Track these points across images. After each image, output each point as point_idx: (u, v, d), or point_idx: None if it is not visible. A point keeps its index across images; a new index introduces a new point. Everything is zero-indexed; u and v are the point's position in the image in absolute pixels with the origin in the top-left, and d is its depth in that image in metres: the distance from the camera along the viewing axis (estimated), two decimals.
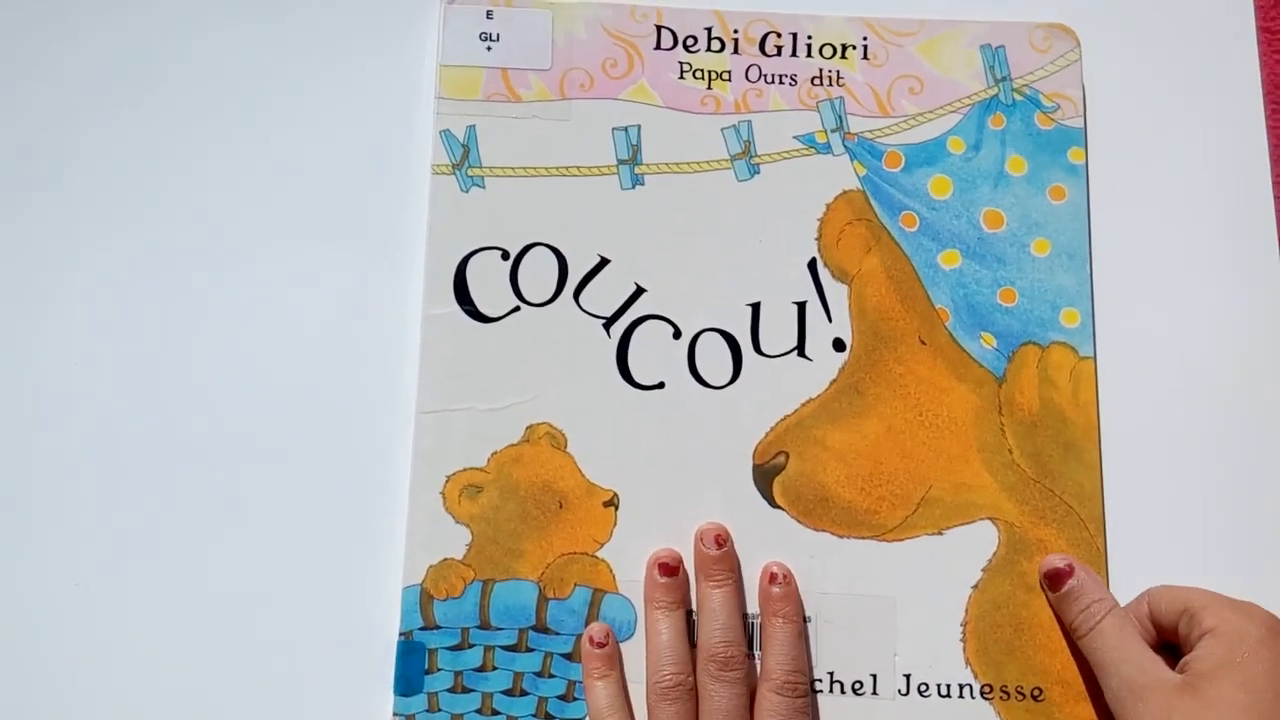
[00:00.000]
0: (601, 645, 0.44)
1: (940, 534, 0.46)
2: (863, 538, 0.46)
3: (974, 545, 0.46)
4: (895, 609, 0.45)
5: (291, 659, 0.45)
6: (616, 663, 0.44)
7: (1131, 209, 0.49)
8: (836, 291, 0.47)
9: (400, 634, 0.44)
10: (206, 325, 0.48)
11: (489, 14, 0.48)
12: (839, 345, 0.47)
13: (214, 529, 0.46)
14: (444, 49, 0.48)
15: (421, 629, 0.45)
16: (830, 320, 0.47)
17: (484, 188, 0.47)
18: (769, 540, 0.45)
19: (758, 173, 0.48)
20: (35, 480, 0.46)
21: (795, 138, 0.48)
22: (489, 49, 0.48)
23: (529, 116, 0.48)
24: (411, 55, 0.49)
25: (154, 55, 0.50)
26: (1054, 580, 0.44)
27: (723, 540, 0.45)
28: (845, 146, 0.48)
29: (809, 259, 0.48)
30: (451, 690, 0.44)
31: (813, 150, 0.48)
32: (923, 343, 0.47)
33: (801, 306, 0.47)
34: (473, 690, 0.45)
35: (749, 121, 0.48)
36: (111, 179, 0.49)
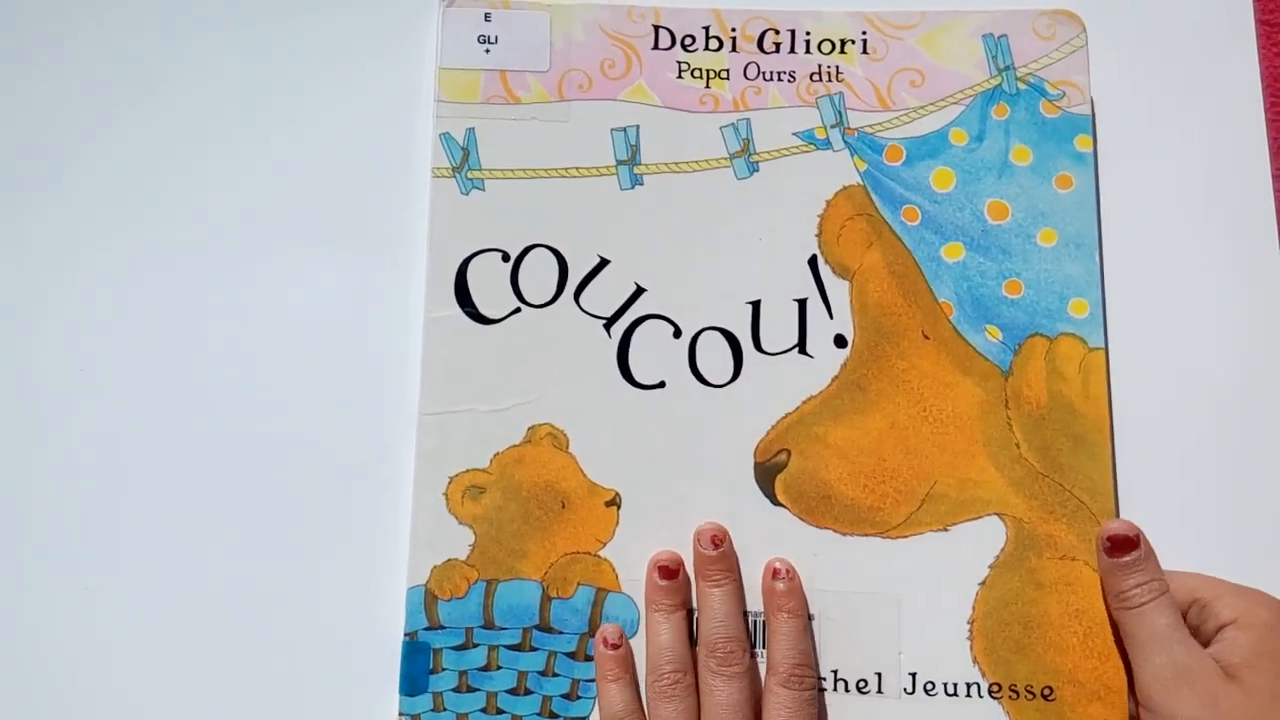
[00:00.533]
0: (615, 647, 0.44)
1: (945, 530, 0.45)
2: (866, 535, 0.45)
3: (981, 541, 0.45)
4: (900, 607, 0.44)
5: (297, 660, 0.45)
6: (630, 664, 0.44)
7: (1141, 196, 0.48)
8: (838, 288, 0.47)
9: (405, 634, 0.45)
10: (208, 328, 0.48)
11: (487, 16, 0.49)
12: (840, 342, 0.47)
13: (218, 531, 0.46)
14: (443, 52, 0.48)
15: (426, 629, 0.45)
16: (831, 317, 0.47)
17: (484, 190, 0.48)
18: (771, 539, 0.45)
19: (757, 170, 0.48)
20: (44, 484, 0.47)
21: (794, 134, 0.48)
22: (487, 51, 0.48)
23: (528, 118, 0.48)
24: (411, 58, 0.50)
25: (155, 59, 0.51)
26: (1121, 547, 0.42)
27: (719, 540, 0.44)
28: (845, 142, 0.48)
29: (809, 256, 0.47)
30: (456, 690, 0.45)
31: (812, 146, 0.48)
32: (926, 337, 0.47)
33: (802, 304, 0.47)
34: (477, 689, 0.45)
35: (748, 119, 0.48)
36: (111, 181, 0.49)
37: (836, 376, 0.46)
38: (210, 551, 0.46)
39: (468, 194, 0.47)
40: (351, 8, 0.51)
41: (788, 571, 0.44)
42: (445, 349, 0.46)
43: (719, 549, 0.44)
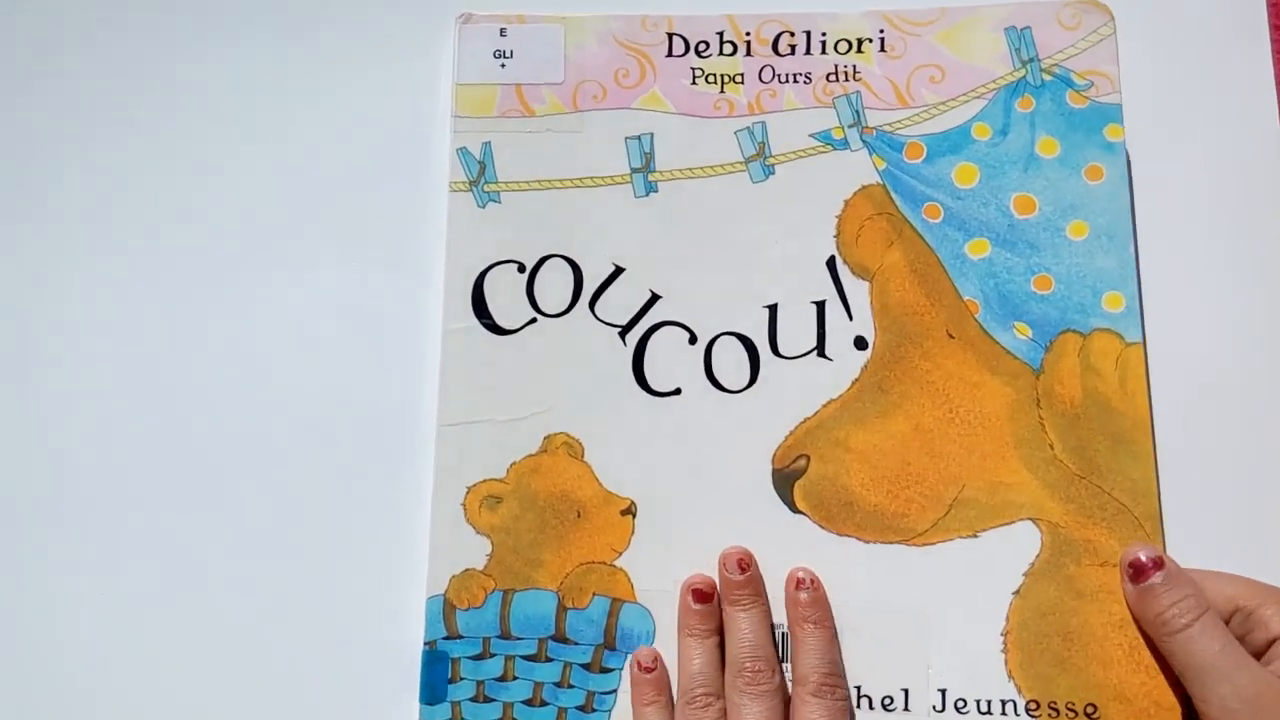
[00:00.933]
0: (650, 670, 0.43)
1: (975, 537, 0.43)
2: (890, 543, 0.43)
3: (1014, 548, 0.43)
4: (928, 618, 0.42)
5: (319, 669, 0.45)
6: (665, 686, 0.43)
7: (1176, 185, 0.46)
8: (857, 289, 0.46)
9: (425, 643, 0.45)
10: (230, 341, 0.49)
11: (502, 31, 0.49)
12: (861, 344, 0.45)
13: (241, 541, 0.47)
14: (459, 68, 0.49)
15: (445, 638, 0.45)
16: (851, 318, 0.46)
17: (500, 202, 0.48)
18: (790, 547, 0.44)
19: (773, 173, 0.47)
20: (62, 493, 0.48)
21: (811, 136, 0.47)
22: (503, 66, 0.49)
23: (543, 130, 0.48)
24: (429, 75, 0.50)
25: (175, 76, 0.52)
26: (1143, 570, 0.40)
27: (745, 564, 0.43)
28: (863, 141, 0.47)
29: (828, 257, 0.46)
30: (474, 699, 0.44)
31: (829, 147, 0.47)
32: (951, 337, 0.45)
33: (820, 306, 0.46)
34: (494, 700, 0.44)
35: (763, 123, 0.48)
36: (129, 197, 0.50)
37: (857, 379, 0.45)
38: (232, 561, 0.47)
39: (484, 207, 0.48)
40: (370, 26, 0.52)
41: (811, 581, 0.43)
42: (463, 361, 0.47)
43: (746, 573, 0.43)
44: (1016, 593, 0.42)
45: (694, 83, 0.48)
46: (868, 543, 0.43)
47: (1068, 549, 0.42)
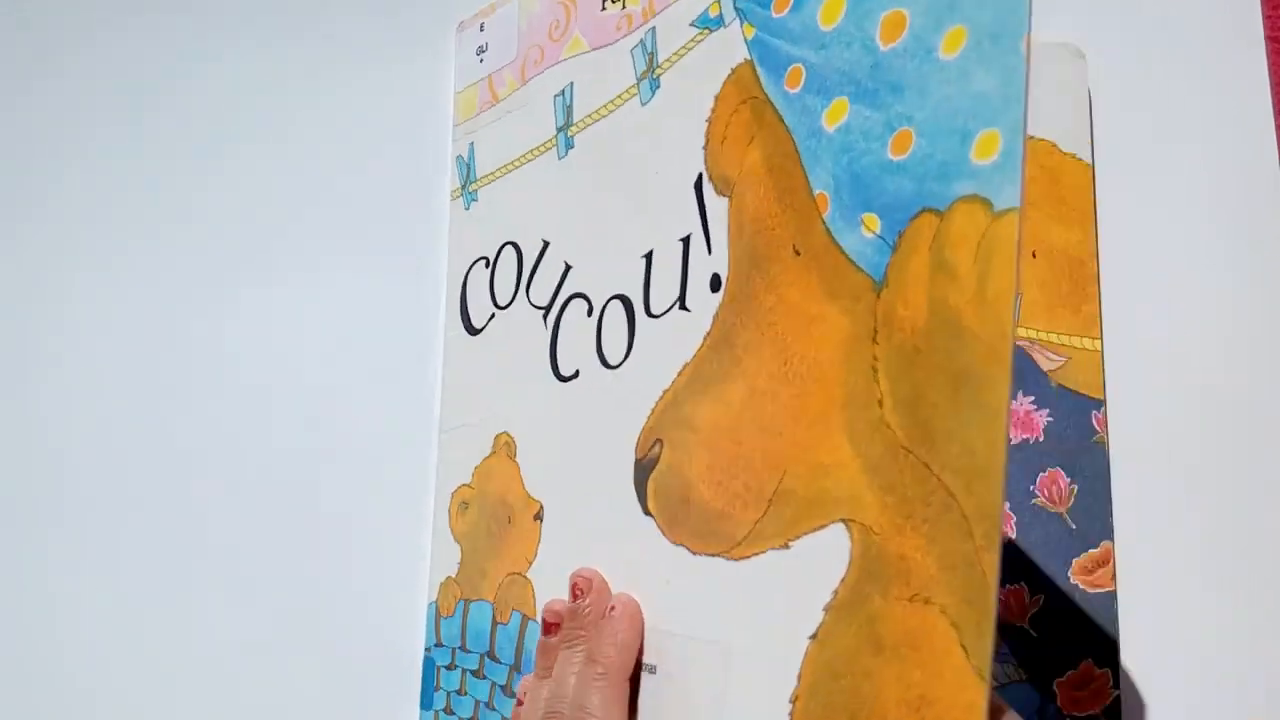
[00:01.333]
0: (521, 703, 0.38)
1: (787, 548, 0.28)
2: (712, 555, 0.31)
3: (821, 567, 0.27)
4: (727, 664, 0.29)
5: (324, 670, 0.46)
6: None
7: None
8: (718, 210, 0.34)
9: (424, 649, 0.45)
10: (231, 344, 0.49)
11: (481, 27, 0.47)
12: (715, 284, 0.33)
13: (248, 543, 0.47)
14: (456, 75, 0.48)
15: (434, 645, 0.44)
16: (710, 252, 0.34)
17: (477, 200, 0.46)
18: (637, 561, 0.34)
19: (659, 88, 0.37)
20: (68, 498, 0.49)
21: (691, 24, 0.36)
22: (481, 61, 0.47)
23: (504, 115, 0.45)
24: (435, 81, 0.49)
25: (176, 80, 0.52)
26: None
27: (580, 589, 0.35)
28: (736, 10, 0.34)
29: (696, 177, 0.35)
30: (445, 711, 0.43)
31: (707, 31, 0.35)
32: (797, 253, 0.30)
33: (686, 243, 0.35)
34: (454, 714, 0.42)
35: (653, 29, 0.38)
36: (130, 197, 0.51)
37: (709, 332, 0.33)
38: (234, 560, 0.47)
39: (468, 208, 0.47)
40: (375, 32, 0.50)
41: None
42: (454, 365, 0.46)
43: (575, 602, 0.35)
44: (813, 637, 0.26)
45: (603, 8, 0.41)
46: (695, 555, 0.31)
47: (877, 570, 0.25)
